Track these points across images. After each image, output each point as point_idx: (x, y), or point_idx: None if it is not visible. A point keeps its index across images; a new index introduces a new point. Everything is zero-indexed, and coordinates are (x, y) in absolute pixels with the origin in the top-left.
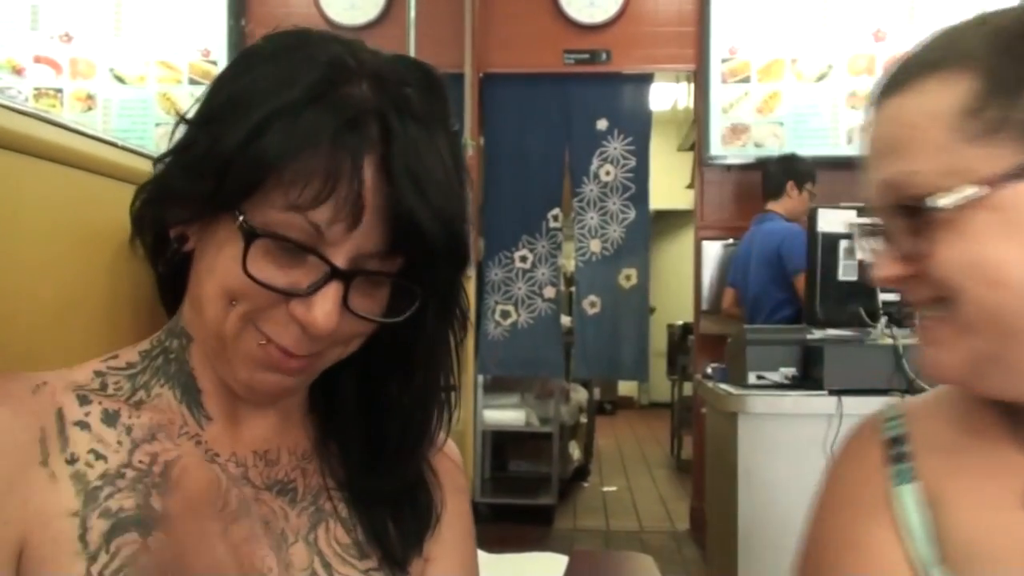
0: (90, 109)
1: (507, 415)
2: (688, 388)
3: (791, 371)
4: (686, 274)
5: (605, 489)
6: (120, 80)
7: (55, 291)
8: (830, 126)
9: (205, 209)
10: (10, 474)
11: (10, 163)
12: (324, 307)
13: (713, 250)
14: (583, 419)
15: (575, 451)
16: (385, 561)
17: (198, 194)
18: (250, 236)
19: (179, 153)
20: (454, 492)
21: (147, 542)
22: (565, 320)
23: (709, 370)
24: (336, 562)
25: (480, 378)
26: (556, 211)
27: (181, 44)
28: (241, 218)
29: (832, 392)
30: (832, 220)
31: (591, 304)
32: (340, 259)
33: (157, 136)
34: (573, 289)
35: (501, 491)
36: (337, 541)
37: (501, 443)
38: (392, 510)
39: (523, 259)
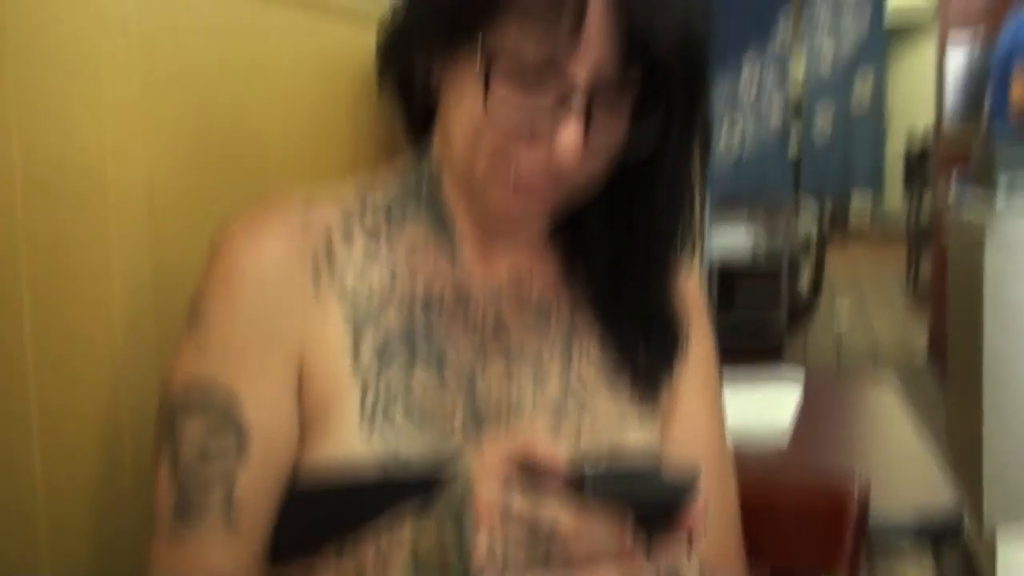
0: None
1: (734, 239)
2: (927, 208)
3: None
4: (927, 88)
5: (837, 320)
6: None
7: (304, 127)
8: None
9: (447, 39)
10: (289, 298)
11: (257, 10)
12: (568, 137)
13: (958, 57)
14: (813, 247)
15: (805, 281)
16: (637, 380)
17: (439, 24)
18: (491, 62)
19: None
20: (698, 319)
21: (414, 358)
22: (794, 136)
23: (953, 186)
24: (590, 382)
25: (708, 197)
26: (786, 10)
27: None
28: (481, 45)
29: None
30: None
31: (823, 111)
32: (579, 77)
33: None
34: (804, 96)
35: (729, 330)
36: (590, 362)
37: (728, 275)
38: (642, 331)
39: (751, 65)
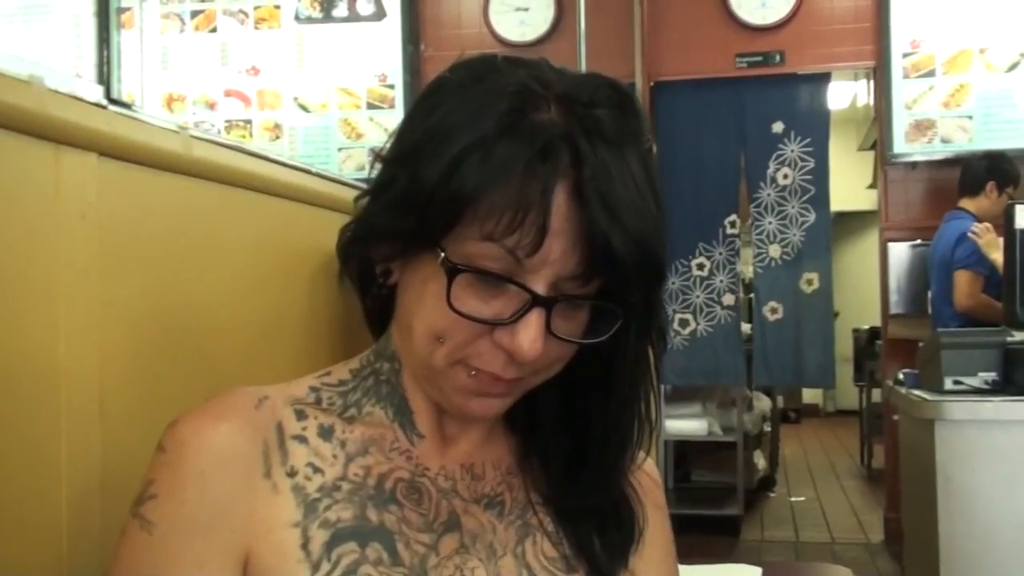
0: (277, 138)
1: (689, 424)
2: (877, 395)
3: (991, 376)
4: (869, 277)
5: (793, 499)
6: (304, 108)
7: (260, 312)
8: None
9: (408, 245)
10: (237, 486)
11: (215, 193)
12: (528, 334)
13: (899, 251)
14: (767, 428)
15: (760, 460)
16: (592, 574)
17: (400, 231)
18: (453, 272)
19: (380, 191)
20: (655, 509)
21: (365, 552)
22: (745, 327)
23: (901, 376)
24: (544, 575)
25: (662, 388)
26: (733, 217)
27: (359, 71)
28: (443, 255)
29: None
30: None
31: (772, 310)
32: (540, 286)
33: (339, 160)
34: (752, 296)
35: (686, 502)
36: (544, 555)
37: (684, 453)
38: (597, 525)
39: (700, 267)
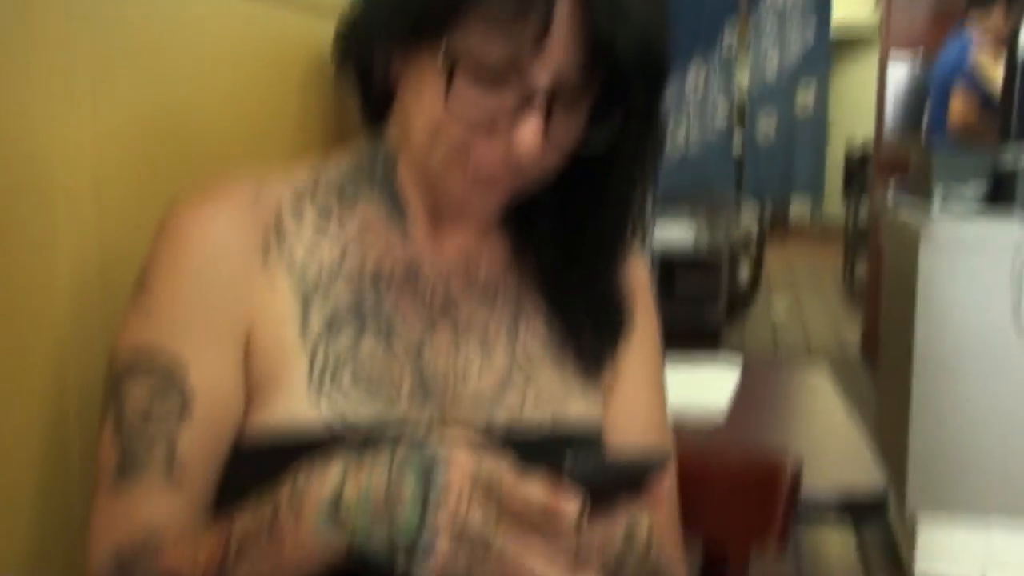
0: None
1: (676, 233)
2: (864, 210)
3: (980, 194)
4: (867, 97)
5: (774, 312)
6: None
7: (251, 117)
8: None
9: (409, 38)
10: (236, 275)
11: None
12: (527, 132)
13: (899, 72)
14: (753, 241)
15: (744, 273)
16: (581, 360)
17: (402, 23)
18: (453, 64)
19: None
20: (643, 301)
21: (362, 336)
22: (738, 137)
23: (890, 191)
24: (535, 360)
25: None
26: (732, 23)
27: None
28: (445, 45)
29: None
30: None
31: (766, 119)
32: (541, 80)
33: None
34: (748, 105)
35: (669, 312)
36: (536, 341)
37: (669, 265)
38: (588, 314)
39: (696, 74)
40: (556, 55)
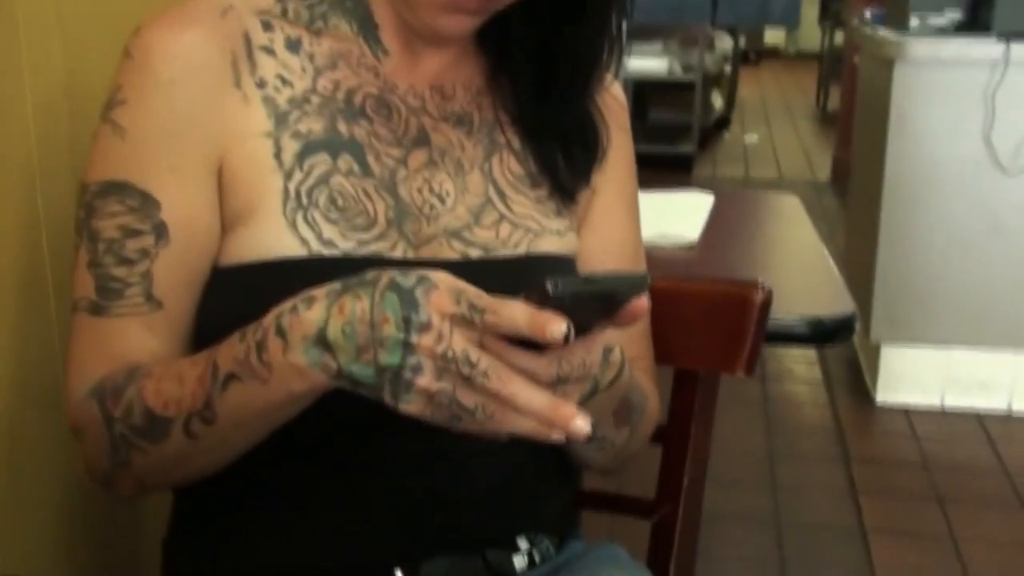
0: None
1: (650, 63)
2: (840, 37)
3: (956, 14)
4: None
5: (747, 139)
6: None
7: None
8: None
9: None
10: (207, 94)
11: None
12: None
13: None
14: (727, 68)
15: (717, 100)
16: (555, 189)
17: None
18: None
19: None
20: (618, 130)
21: (336, 163)
22: None
23: (867, 13)
24: (509, 190)
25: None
26: None
27: None
28: None
29: (1001, 36)
30: None
31: None
32: None
33: None
34: None
35: (642, 139)
36: (510, 171)
37: (642, 91)
38: (562, 143)
39: None
40: None
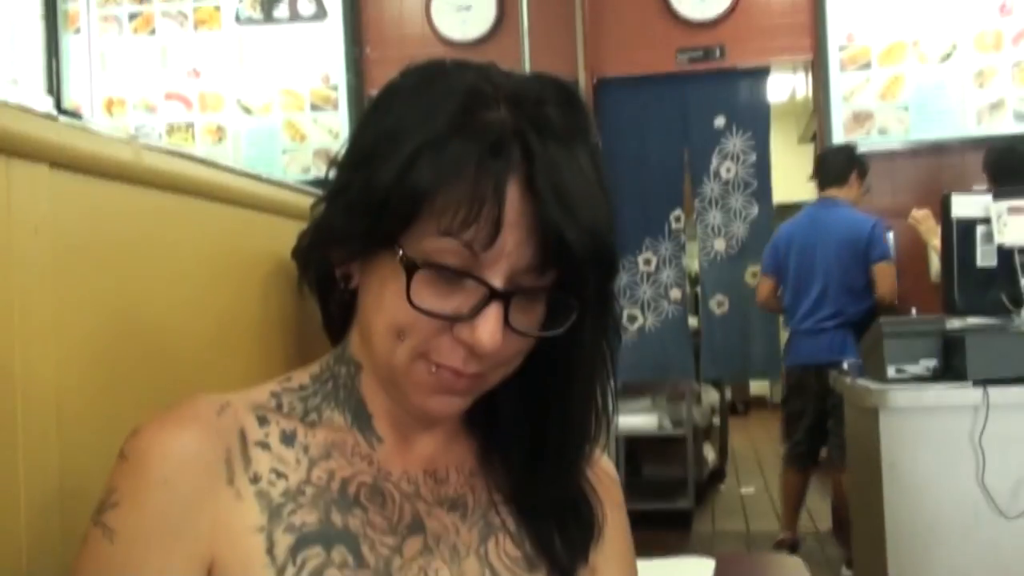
0: (220, 140)
1: (639, 420)
2: None
3: (932, 363)
4: None
5: (743, 491)
6: (247, 111)
7: (213, 319)
8: (958, 107)
9: (366, 246)
10: (200, 492)
11: (166, 202)
12: (487, 327)
13: None
14: (716, 420)
15: (710, 453)
16: (553, 572)
17: (358, 232)
18: (411, 268)
19: (335, 196)
20: (613, 507)
21: (331, 556)
22: (692, 321)
23: (845, 366)
24: (507, 574)
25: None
26: (678, 212)
27: (302, 72)
28: (401, 252)
29: (977, 383)
30: (967, 205)
31: (718, 304)
32: (497, 280)
33: (284, 162)
34: (699, 289)
35: (637, 496)
36: (507, 554)
37: (634, 448)
38: (557, 522)
39: (647, 262)
40: (510, 254)
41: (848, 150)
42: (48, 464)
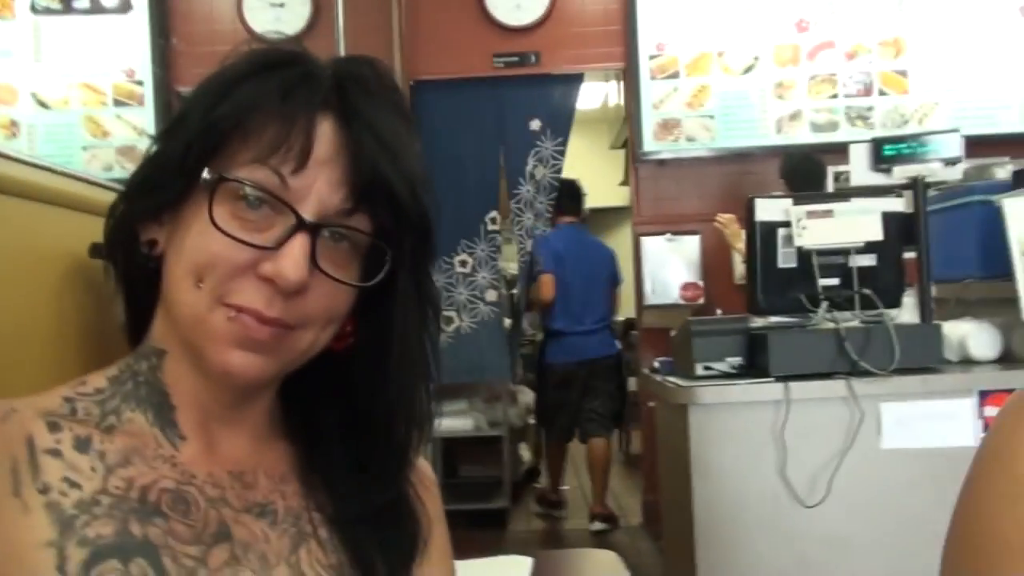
0: (14, 135)
1: (456, 422)
2: (633, 383)
3: (737, 360)
4: (625, 270)
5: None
6: (43, 105)
7: (3, 319)
8: (759, 117)
9: (173, 187)
10: None
11: None
12: (291, 255)
13: (653, 244)
14: (531, 420)
15: (525, 453)
16: None
17: (165, 174)
18: (216, 185)
19: (146, 159)
20: (436, 515)
21: (128, 569)
22: (507, 323)
23: (656, 364)
24: None
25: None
26: (494, 214)
27: (104, 65)
28: (206, 172)
29: (779, 378)
30: (769, 209)
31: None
32: (306, 211)
33: (85, 159)
34: (515, 291)
35: (453, 497)
36: (319, 563)
37: (451, 449)
38: (376, 530)
39: (463, 263)
40: (321, 189)
41: (570, 183)
42: None
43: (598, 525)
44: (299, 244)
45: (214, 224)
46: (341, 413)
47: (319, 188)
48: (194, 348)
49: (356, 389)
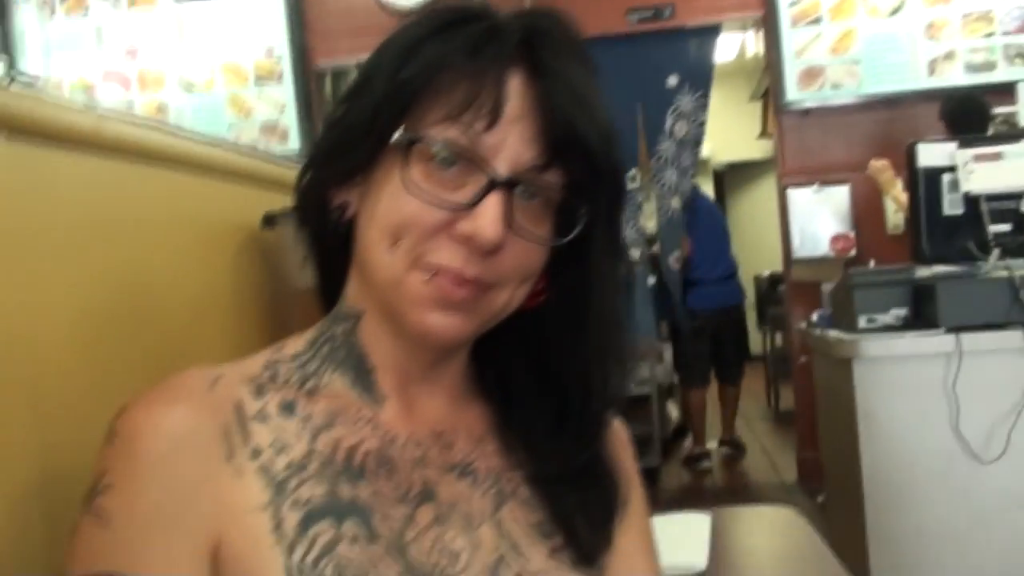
0: (163, 119)
1: None
2: (779, 338)
3: (902, 312)
4: (765, 224)
5: (708, 446)
6: (189, 87)
7: (186, 290)
8: (909, 60)
9: (363, 149)
10: (198, 472)
11: (129, 172)
12: (488, 214)
13: (800, 196)
14: (676, 379)
15: (673, 411)
16: (571, 541)
17: (355, 137)
18: (409, 145)
19: (333, 121)
20: (629, 473)
21: (341, 529)
22: (651, 280)
23: (814, 317)
24: (524, 542)
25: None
26: (633, 172)
27: (244, 46)
28: (399, 133)
29: (949, 330)
30: (933, 154)
31: (677, 260)
32: (500, 168)
33: (231, 138)
34: (657, 248)
35: None
36: (522, 521)
37: None
38: (575, 492)
39: None
40: (513, 144)
41: None
42: (24, 457)
43: (726, 450)
44: (495, 202)
45: (408, 185)
46: (535, 372)
47: (512, 144)
48: (391, 310)
49: (549, 347)
